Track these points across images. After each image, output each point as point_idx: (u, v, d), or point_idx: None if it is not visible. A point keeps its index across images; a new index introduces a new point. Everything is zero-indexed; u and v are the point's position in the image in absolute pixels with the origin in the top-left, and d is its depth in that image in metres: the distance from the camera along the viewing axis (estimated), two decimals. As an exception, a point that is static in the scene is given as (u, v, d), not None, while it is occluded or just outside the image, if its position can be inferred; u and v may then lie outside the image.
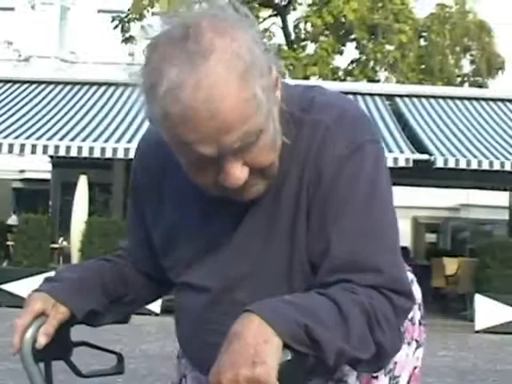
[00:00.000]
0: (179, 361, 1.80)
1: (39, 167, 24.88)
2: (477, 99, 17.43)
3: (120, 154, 14.23)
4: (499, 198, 21.96)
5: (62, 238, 15.16)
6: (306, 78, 21.60)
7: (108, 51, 31.56)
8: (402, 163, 13.51)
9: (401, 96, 16.83)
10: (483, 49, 24.04)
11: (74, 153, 14.21)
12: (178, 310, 1.68)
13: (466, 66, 24.75)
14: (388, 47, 22.66)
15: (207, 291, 1.54)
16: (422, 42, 24.09)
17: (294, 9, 24.45)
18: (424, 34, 24.07)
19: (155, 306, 13.49)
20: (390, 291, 1.36)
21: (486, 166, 14.26)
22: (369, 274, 1.36)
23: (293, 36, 24.31)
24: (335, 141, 1.42)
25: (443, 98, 17.26)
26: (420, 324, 1.72)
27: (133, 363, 8.86)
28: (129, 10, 23.60)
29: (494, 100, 17.42)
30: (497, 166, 14.29)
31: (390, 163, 13.56)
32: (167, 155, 1.47)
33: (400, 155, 13.65)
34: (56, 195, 18.17)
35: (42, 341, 1.48)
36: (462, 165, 14.01)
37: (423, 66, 23.72)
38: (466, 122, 16.22)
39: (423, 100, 16.78)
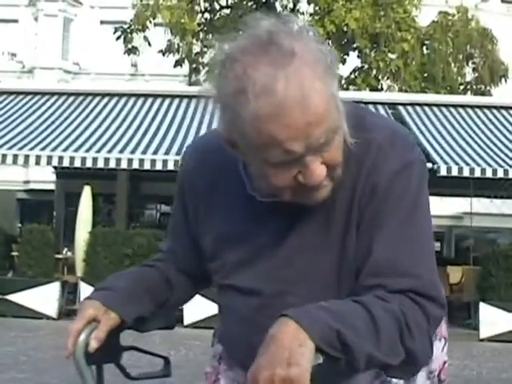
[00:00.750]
0: (214, 359, 1.89)
1: (44, 178, 24.93)
2: (480, 107, 17.43)
3: (123, 165, 14.27)
4: (503, 206, 21.96)
5: (66, 249, 15.16)
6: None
7: (111, 62, 31.68)
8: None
9: (404, 104, 16.86)
10: (486, 56, 24.03)
11: (77, 163, 14.25)
12: (224, 311, 1.78)
13: (469, 74, 24.74)
14: (390, 56, 22.65)
15: (257, 295, 1.63)
16: (425, 50, 24.09)
17: (297, 18, 24.46)
18: (426, 42, 24.07)
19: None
20: (423, 298, 1.45)
21: (489, 174, 14.26)
22: (406, 278, 1.46)
23: (295, 45, 24.36)
24: (388, 158, 1.55)
25: (446, 106, 17.28)
26: (444, 322, 1.81)
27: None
28: (131, 20, 23.64)
29: (497, 108, 17.42)
30: (500, 174, 14.29)
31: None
32: (219, 163, 1.65)
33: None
34: (60, 206, 18.20)
35: (94, 345, 1.58)
36: (466, 173, 14.01)
37: (426, 75, 23.72)
38: (468, 130, 16.23)
39: (426, 108, 16.80)
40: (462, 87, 24.34)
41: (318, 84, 1.39)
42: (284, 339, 1.26)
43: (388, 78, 23.26)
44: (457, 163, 14.23)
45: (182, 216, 1.80)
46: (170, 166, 14.06)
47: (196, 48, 24.00)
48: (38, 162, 14.53)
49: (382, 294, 1.42)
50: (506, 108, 17.42)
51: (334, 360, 1.30)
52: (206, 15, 24.57)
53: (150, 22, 23.09)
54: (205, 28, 24.17)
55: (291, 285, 1.59)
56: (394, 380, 1.66)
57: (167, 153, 14.37)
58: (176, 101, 17.21)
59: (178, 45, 23.34)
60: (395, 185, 1.54)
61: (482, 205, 21.64)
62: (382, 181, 1.54)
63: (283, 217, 1.58)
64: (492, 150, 15.32)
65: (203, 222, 1.72)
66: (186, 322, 12.98)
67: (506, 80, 24.12)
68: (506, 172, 14.27)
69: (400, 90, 22.25)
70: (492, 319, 13.18)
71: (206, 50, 23.87)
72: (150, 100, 17.19)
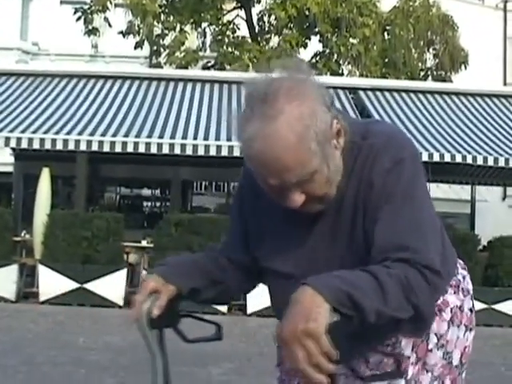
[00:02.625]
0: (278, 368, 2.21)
1: (2, 160, 24.61)
2: (440, 93, 17.57)
3: (82, 147, 14.16)
4: (461, 191, 22.19)
5: (24, 231, 15.01)
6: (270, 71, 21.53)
7: (71, 43, 31.26)
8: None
9: (364, 89, 16.93)
10: (446, 43, 24.13)
11: (36, 145, 14.11)
12: (270, 290, 2.15)
13: (430, 60, 24.84)
14: (352, 40, 22.69)
15: (290, 276, 1.98)
16: (386, 36, 24.14)
17: (259, 1, 24.38)
18: (388, 27, 24.11)
19: (118, 299, 13.47)
20: (423, 267, 1.73)
21: (447, 159, 14.40)
22: (405, 252, 1.75)
23: (257, 29, 24.26)
24: (382, 158, 1.89)
25: (406, 91, 17.38)
26: (471, 312, 2.14)
27: (96, 355, 8.84)
28: (91, 1, 23.38)
29: (457, 94, 17.57)
30: (459, 159, 14.44)
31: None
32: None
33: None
34: (18, 188, 17.99)
35: (156, 312, 1.92)
36: (424, 158, 14.12)
37: (387, 60, 23.77)
38: (428, 116, 16.35)
39: (386, 93, 16.89)
40: (422, 73, 24.44)
41: (292, 141, 1.78)
42: (304, 302, 1.59)
43: (349, 63, 23.30)
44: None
45: (237, 214, 2.20)
46: (130, 149, 13.98)
47: (157, 30, 23.81)
48: (-5, 144, 14.36)
49: (387, 263, 1.73)
50: (466, 94, 17.57)
51: (348, 317, 1.61)
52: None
53: (111, 2, 22.88)
54: (166, 10, 23.98)
55: (314, 269, 1.83)
56: (406, 353, 1.97)
57: (127, 135, 14.28)
58: (136, 83, 17.09)
59: (139, 26, 23.14)
60: (387, 180, 1.86)
61: (440, 190, 21.83)
62: (376, 178, 1.88)
63: (307, 216, 1.95)
64: (451, 136, 15.45)
65: (253, 219, 2.13)
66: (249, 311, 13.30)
67: (466, 66, 24.27)
68: (464, 157, 14.43)
69: (361, 75, 22.31)
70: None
71: (166, 31, 23.71)
72: (109, 82, 17.05)
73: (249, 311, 13.27)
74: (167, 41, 23.77)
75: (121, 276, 13.60)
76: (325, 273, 1.77)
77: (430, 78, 24.36)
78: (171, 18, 23.73)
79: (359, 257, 1.87)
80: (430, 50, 24.48)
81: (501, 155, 14.53)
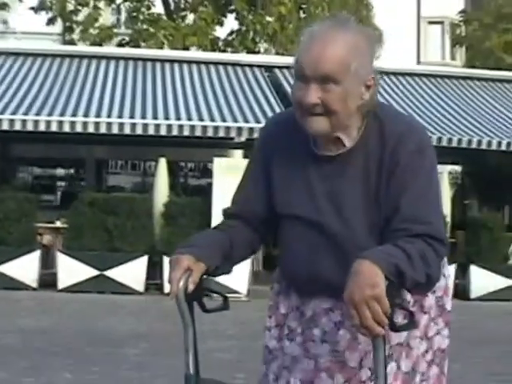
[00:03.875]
0: (274, 294, 2.58)
1: None
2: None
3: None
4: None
5: None
6: (186, 48, 21.41)
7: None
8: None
9: (280, 67, 16.92)
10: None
11: None
12: (290, 239, 2.43)
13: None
14: (268, 19, 22.68)
15: (315, 223, 2.35)
16: (302, 14, 24.21)
17: (175, -22, 24.12)
18: (303, 6, 24.19)
19: (32, 281, 13.24)
20: (433, 240, 2.18)
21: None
22: (422, 225, 2.20)
23: (172, 6, 24.00)
24: (408, 143, 2.29)
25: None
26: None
27: (9, 338, 8.68)
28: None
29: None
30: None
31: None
32: (293, 130, 2.37)
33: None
34: None
35: (191, 287, 2.19)
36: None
37: (302, 38, 23.86)
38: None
39: (302, 72, 16.92)
40: (337, 51, 24.61)
41: (341, 48, 2.20)
42: (366, 272, 1.97)
43: (265, 41, 23.30)
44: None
45: (260, 167, 2.48)
46: (42, 127, 13.67)
47: (70, 6, 23.29)
48: None
49: (408, 239, 2.15)
50: (381, 73, 17.70)
51: (393, 283, 2.01)
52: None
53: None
54: (79, -15, 23.52)
55: (339, 217, 2.33)
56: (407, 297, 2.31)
57: (38, 113, 13.94)
58: (48, 60, 16.71)
59: (51, 2, 22.61)
60: (413, 161, 2.27)
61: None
62: (403, 157, 2.27)
63: (335, 168, 2.34)
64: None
65: (276, 168, 2.43)
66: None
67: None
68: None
69: (277, 53, 22.34)
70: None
71: (80, 7, 23.24)
72: (20, 59, 16.62)
73: (166, 290, 13.21)
74: (80, 17, 23.28)
75: (34, 258, 13.34)
76: (344, 220, 2.31)
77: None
78: (84, -7, 23.28)
79: (379, 213, 2.29)
80: (345, 28, 24.64)
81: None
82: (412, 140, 2.29)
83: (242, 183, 2.53)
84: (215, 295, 2.28)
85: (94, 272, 13.16)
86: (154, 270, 13.51)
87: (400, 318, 2.09)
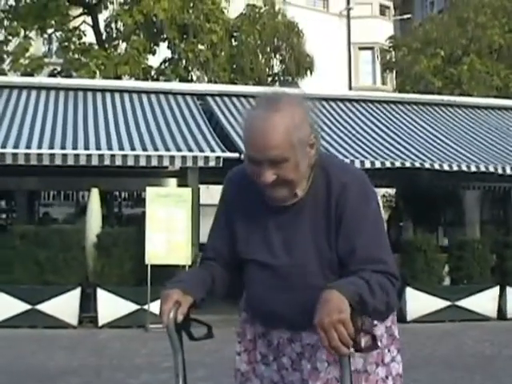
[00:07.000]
0: (241, 322, 2.90)
1: None
2: (286, 98, 17.76)
3: None
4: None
5: None
6: (118, 77, 21.29)
7: None
8: (212, 163, 13.54)
9: (212, 95, 16.92)
10: (292, 49, 24.57)
11: None
12: (250, 280, 2.75)
13: (277, 66, 25.20)
14: (200, 47, 22.72)
15: (270, 266, 2.65)
16: (234, 42, 24.31)
17: (106, 7, 24.02)
18: (235, 33, 24.31)
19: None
20: (390, 275, 2.51)
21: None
22: (380, 264, 2.52)
23: (104, 35, 23.88)
24: (352, 190, 2.58)
25: (254, 97, 17.46)
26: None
27: None
28: None
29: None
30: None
31: (200, 163, 13.60)
32: (249, 183, 2.63)
33: (211, 154, 13.65)
34: None
35: (180, 318, 2.49)
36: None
37: (235, 66, 23.90)
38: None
39: (234, 99, 16.94)
40: (270, 78, 24.77)
41: (280, 130, 2.46)
42: (333, 299, 2.24)
43: (198, 69, 23.32)
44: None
45: (225, 217, 2.80)
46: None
47: (0, 36, 23.03)
48: None
49: (369, 273, 2.44)
50: (312, 99, 17.83)
51: (357, 310, 2.28)
52: (11, 2, 23.61)
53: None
54: (9, 15, 23.28)
55: (292, 263, 2.62)
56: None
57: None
58: (-23, 91, 16.40)
59: (-19, 32, 22.32)
60: (360, 206, 2.58)
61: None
62: (349, 202, 2.57)
63: (288, 217, 2.64)
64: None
65: (237, 218, 2.73)
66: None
67: (311, 72, 24.81)
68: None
69: (209, 81, 22.37)
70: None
71: (10, 37, 22.98)
72: None
73: (100, 323, 12.99)
74: (11, 47, 23.02)
75: (-37, 293, 12.99)
76: (301, 264, 2.59)
77: (277, 83, 24.70)
78: (15, 23, 23.04)
79: (329, 255, 2.58)
80: (277, 56, 24.83)
81: (346, 157, 14.82)
82: (356, 188, 2.59)
83: (211, 232, 2.87)
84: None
85: (26, 306, 12.86)
86: (87, 303, 13.24)
87: (363, 342, 2.33)
